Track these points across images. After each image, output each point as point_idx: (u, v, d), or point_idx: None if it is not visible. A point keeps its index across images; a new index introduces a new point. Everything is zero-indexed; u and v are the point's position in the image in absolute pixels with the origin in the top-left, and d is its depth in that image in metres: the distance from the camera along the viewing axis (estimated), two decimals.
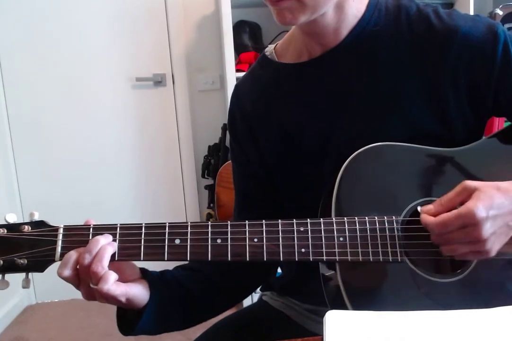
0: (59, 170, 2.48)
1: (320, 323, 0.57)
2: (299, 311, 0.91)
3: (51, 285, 2.47)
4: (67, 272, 0.62)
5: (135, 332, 0.70)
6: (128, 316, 0.71)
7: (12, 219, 0.65)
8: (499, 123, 1.79)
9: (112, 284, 0.61)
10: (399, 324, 0.55)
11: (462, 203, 0.60)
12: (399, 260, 0.64)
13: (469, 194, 0.60)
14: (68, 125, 2.46)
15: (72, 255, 0.62)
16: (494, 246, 0.60)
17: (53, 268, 0.64)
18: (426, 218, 0.61)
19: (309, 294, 0.87)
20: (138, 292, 0.67)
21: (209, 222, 0.65)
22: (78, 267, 0.62)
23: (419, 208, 0.63)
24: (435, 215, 0.61)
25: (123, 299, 0.64)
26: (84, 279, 0.63)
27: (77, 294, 0.65)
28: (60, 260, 0.63)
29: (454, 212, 0.59)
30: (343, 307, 0.62)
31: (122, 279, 0.65)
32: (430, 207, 0.62)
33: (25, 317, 2.40)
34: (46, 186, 2.48)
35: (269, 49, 0.85)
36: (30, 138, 2.45)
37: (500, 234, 0.60)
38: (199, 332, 0.91)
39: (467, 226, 0.58)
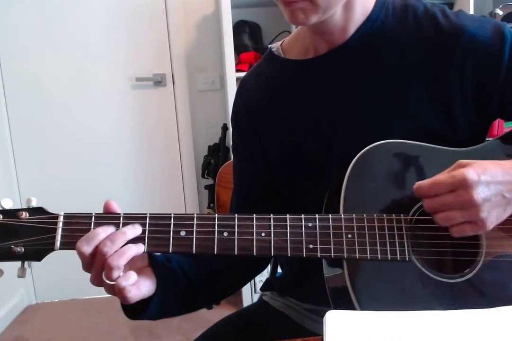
0: (60, 172, 2.48)
1: (320, 323, 0.56)
2: (299, 311, 0.91)
3: (51, 285, 2.48)
4: (88, 249, 0.59)
5: (140, 318, 0.69)
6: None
7: (8, 204, 0.62)
8: (499, 124, 1.79)
9: (130, 284, 0.60)
10: (399, 324, 0.55)
11: None
12: (407, 259, 0.64)
13: (462, 167, 0.59)
14: (68, 124, 2.45)
15: (99, 233, 0.60)
16: (489, 217, 0.58)
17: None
18: (419, 184, 0.60)
19: (309, 294, 0.87)
20: (146, 292, 0.66)
21: (216, 214, 0.64)
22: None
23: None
24: None
25: (130, 301, 0.62)
26: (97, 264, 0.61)
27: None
28: (60, 249, 0.61)
29: (445, 173, 0.58)
30: (349, 306, 0.62)
31: (130, 265, 0.63)
32: (424, 180, 0.61)
33: (25, 317, 2.40)
34: (45, 182, 2.48)
35: (276, 46, 0.85)
36: (30, 135, 2.45)
37: (496, 205, 0.58)
38: (199, 332, 0.91)
39: (458, 188, 0.57)
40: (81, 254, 0.60)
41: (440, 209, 0.59)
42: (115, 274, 0.59)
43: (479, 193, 0.57)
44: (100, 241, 0.60)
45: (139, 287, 0.64)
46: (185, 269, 0.75)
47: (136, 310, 0.69)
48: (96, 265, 0.61)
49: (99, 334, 2.14)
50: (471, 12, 2.00)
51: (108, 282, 0.59)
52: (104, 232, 0.61)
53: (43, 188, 2.47)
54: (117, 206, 0.65)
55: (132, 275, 0.60)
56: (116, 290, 0.60)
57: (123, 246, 0.60)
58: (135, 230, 0.62)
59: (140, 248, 0.62)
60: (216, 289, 0.84)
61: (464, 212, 0.58)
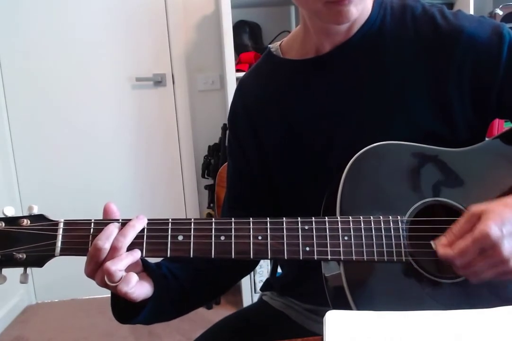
0: (59, 173, 2.48)
1: (320, 323, 0.56)
2: (299, 311, 0.91)
3: (51, 285, 2.48)
4: (108, 245, 0.61)
5: (131, 323, 0.70)
6: (121, 304, 0.70)
7: (10, 212, 0.63)
8: (499, 124, 1.79)
9: (131, 288, 0.61)
10: (399, 324, 0.55)
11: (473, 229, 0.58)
12: (404, 260, 0.64)
13: (478, 217, 0.58)
14: (68, 124, 2.45)
15: (114, 229, 0.62)
16: None
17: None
18: (444, 251, 0.59)
19: (309, 294, 0.87)
20: (144, 294, 0.66)
21: (213, 219, 0.65)
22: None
23: (432, 243, 0.61)
24: (450, 246, 0.59)
25: (136, 300, 0.63)
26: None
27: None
28: (60, 255, 0.63)
29: (468, 237, 0.57)
30: (346, 307, 0.62)
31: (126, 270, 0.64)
32: (443, 239, 0.60)
33: (25, 317, 2.40)
34: (46, 188, 2.48)
35: (275, 46, 0.85)
36: (30, 136, 2.45)
37: None
38: (199, 332, 0.91)
39: (486, 249, 0.56)
40: (98, 252, 0.61)
41: (472, 273, 0.59)
42: (116, 278, 0.60)
43: (507, 248, 0.56)
44: (115, 236, 0.62)
45: (139, 290, 0.65)
46: (175, 273, 0.76)
47: (128, 314, 0.69)
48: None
49: (99, 334, 2.14)
50: (471, 12, 2.00)
51: (111, 284, 0.61)
52: (116, 228, 0.63)
53: (43, 188, 2.47)
54: (116, 209, 0.66)
55: (133, 278, 0.61)
56: (119, 293, 0.61)
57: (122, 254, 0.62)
58: (142, 221, 0.64)
59: (137, 254, 0.63)
60: (207, 291, 0.84)
61: (495, 268, 0.58)
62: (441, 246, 0.60)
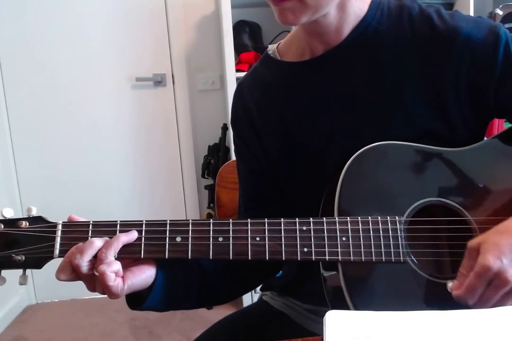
0: (59, 174, 2.48)
1: (320, 323, 0.56)
2: (299, 311, 0.91)
3: (51, 285, 2.47)
4: (64, 277, 0.62)
5: (142, 309, 0.70)
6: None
7: (9, 214, 0.64)
8: (499, 124, 1.79)
9: (111, 271, 0.61)
10: (399, 324, 0.55)
11: None
12: (402, 260, 0.64)
13: (477, 251, 0.59)
14: (68, 125, 2.45)
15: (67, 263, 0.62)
16: None
17: (54, 268, 0.63)
18: (455, 293, 0.60)
19: (309, 294, 0.87)
20: (146, 279, 0.66)
21: (211, 220, 0.65)
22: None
23: (448, 287, 0.61)
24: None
25: (114, 291, 0.62)
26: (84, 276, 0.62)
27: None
28: (59, 257, 0.63)
29: (471, 274, 0.58)
30: (345, 307, 0.62)
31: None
32: (455, 282, 0.61)
33: (25, 317, 2.40)
34: (46, 189, 2.47)
35: (272, 48, 0.86)
36: (30, 137, 2.45)
37: None
38: (199, 332, 0.91)
39: (492, 280, 0.57)
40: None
41: (488, 304, 0.59)
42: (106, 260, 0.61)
43: (511, 274, 0.56)
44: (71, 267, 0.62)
45: (132, 279, 0.64)
46: (201, 263, 0.75)
47: (142, 299, 0.69)
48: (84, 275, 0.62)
49: (99, 334, 2.14)
50: (471, 12, 2.00)
51: (95, 273, 0.61)
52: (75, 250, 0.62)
53: (43, 188, 2.47)
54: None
55: (116, 264, 0.61)
56: (99, 279, 0.61)
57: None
58: (101, 240, 0.63)
59: (132, 235, 0.64)
60: (231, 283, 0.83)
61: (507, 295, 0.58)
62: (454, 289, 0.60)
